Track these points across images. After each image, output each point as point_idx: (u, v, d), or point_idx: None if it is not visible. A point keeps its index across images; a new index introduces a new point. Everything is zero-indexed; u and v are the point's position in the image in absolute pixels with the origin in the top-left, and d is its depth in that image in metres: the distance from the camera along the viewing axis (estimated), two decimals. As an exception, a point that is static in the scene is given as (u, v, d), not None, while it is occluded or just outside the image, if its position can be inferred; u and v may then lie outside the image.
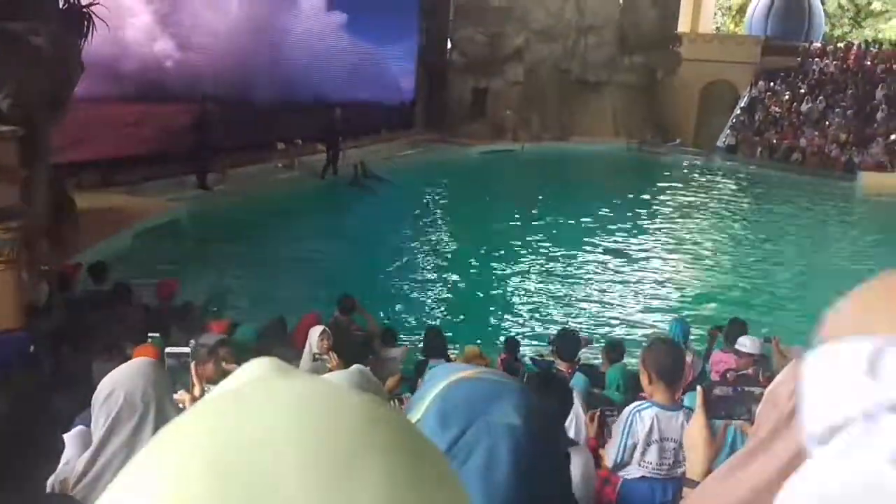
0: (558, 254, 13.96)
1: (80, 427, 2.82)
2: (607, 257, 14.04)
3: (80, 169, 12.30)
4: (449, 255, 14.09)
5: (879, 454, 0.29)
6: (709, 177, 23.14)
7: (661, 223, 17.11)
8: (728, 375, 5.80)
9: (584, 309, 11.36)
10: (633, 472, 3.63)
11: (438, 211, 17.48)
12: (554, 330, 7.91)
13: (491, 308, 11.14)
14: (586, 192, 18.89)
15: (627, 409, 3.67)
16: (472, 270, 12.92)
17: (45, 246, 8.15)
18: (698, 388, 2.66)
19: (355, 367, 2.71)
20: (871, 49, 29.11)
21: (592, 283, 12.55)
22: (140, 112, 14.15)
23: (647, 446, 3.55)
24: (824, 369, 0.34)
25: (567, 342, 5.79)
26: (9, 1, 7.74)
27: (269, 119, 16.87)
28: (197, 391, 3.77)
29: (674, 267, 13.94)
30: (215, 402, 0.41)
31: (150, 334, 5.02)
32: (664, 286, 12.61)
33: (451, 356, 6.75)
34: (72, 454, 2.62)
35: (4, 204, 6.51)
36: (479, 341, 7.91)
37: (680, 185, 21.55)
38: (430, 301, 11.48)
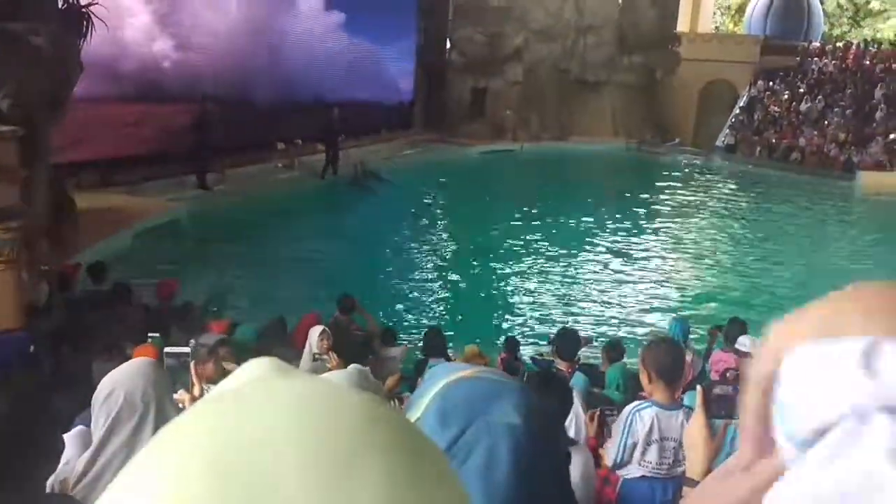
0: (558, 253, 13.96)
1: (79, 427, 2.82)
2: (607, 257, 14.05)
3: (80, 169, 12.30)
4: (448, 255, 14.10)
5: (877, 452, 0.28)
6: (708, 176, 23.13)
7: (661, 223, 17.12)
8: (728, 375, 5.80)
9: (584, 308, 11.37)
10: (633, 471, 3.63)
11: (438, 211, 17.48)
12: (553, 329, 7.92)
13: (491, 307, 11.14)
14: (586, 191, 18.89)
15: (627, 408, 3.67)
16: (471, 270, 12.93)
17: (45, 246, 8.15)
18: (698, 387, 2.67)
19: (353, 366, 2.71)
20: (870, 48, 29.13)
21: (592, 283, 12.55)
22: (140, 112, 14.15)
23: (647, 446, 3.55)
24: (809, 368, 0.33)
25: (567, 341, 5.79)
26: (8, 1, 7.74)
27: (268, 119, 16.87)
28: (196, 391, 3.78)
29: (673, 266, 13.95)
30: (215, 402, 0.41)
31: (149, 334, 5.02)
32: (664, 286, 12.62)
33: (451, 355, 6.75)
34: (72, 454, 2.62)
35: (4, 204, 6.51)
36: (478, 341, 7.91)
37: (679, 184, 21.55)
38: (429, 301, 11.49)
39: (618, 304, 11.59)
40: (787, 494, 0.31)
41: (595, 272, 13.16)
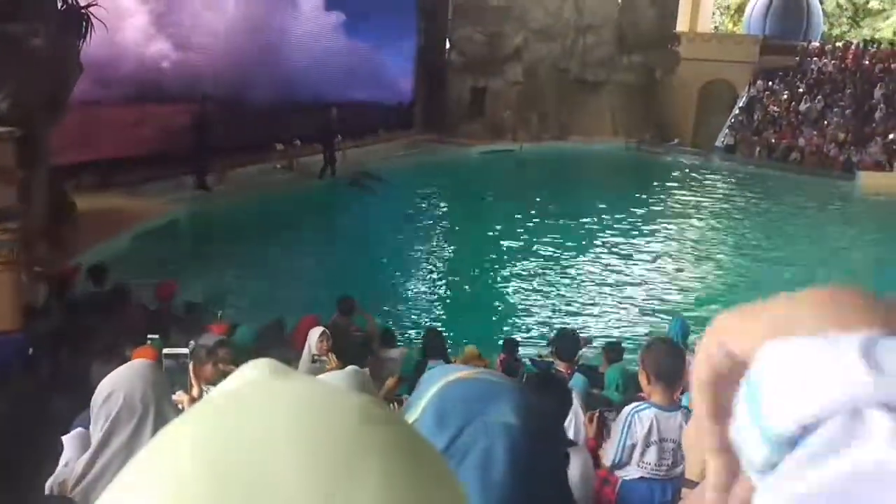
0: (557, 254, 13.97)
1: (78, 429, 2.82)
2: (607, 257, 14.05)
3: (80, 170, 12.29)
4: (448, 256, 14.10)
5: (877, 445, 0.28)
6: (707, 176, 23.13)
7: (661, 223, 17.11)
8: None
9: (584, 309, 11.37)
10: (632, 472, 3.63)
11: (437, 211, 17.47)
12: (553, 330, 7.92)
13: (490, 308, 11.14)
14: (585, 191, 18.88)
15: (626, 409, 3.67)
16: (471, 271, 12.93)
17: (44, 247, 8.15)
18: (697, 387, 2.66)
19: (351, 367, 2.71)
20: (870, 48, 29.13)
21: (591, 284, 12.55)
22: (139, 113, 14.14)
23: (647, 447, 3.55)
24: (795, 362, 0.32)
25: (566, 342, 5.79)
26: (7, 2, 7.75)
27: (267, 120, 16.85)
28: (195, 392, 3.78)
29: (673, 267, 13.95)
30: (214, 404, 0.42)
31: (149, 336, 5.01)
32: (664, 286, 12.62)
33: (450, 357, 6.75)
34: (71, 456, 2.62)
35: (2, 205, 6.51)
36: (476, 342, 7.90)
37: (679, 184, 21.56)
38: (429, 301, 11.49)
39: (617, 305, 11.59)
40: (780, 493, 0.30)
41: (594, 272, 13.15)
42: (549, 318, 10.80)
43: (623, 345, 7.19)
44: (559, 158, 22.77)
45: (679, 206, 19.09)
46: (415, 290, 11.87)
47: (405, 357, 7.15)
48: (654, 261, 13.98)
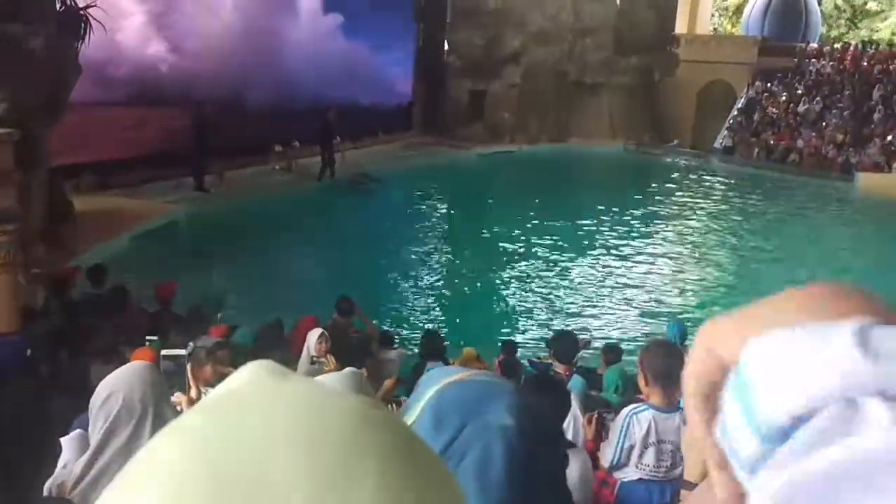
0: (556, 255, 13.96)
1: (77, 430, 2.82)
2: (606, 259, 14.04)
3: (78, 171, 12.29)
4: (447, 258, 14.09)
5: (875, 433, 0.28)
6: (706, 178, 23.14)
7: (660, 224, 17.12)
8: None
9: (583, 310, 11.36)
10: (630, 474, 3.63)
11: (436, 213, 17.47)
12: (551, 332, 7.91)
13: (489, 310, 11.13)
14: (584, 193, 18.89)
15: (624, 410, 3.67)
16: (469, 273, 12.92)
17: (42, 249, 8.15)
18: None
19: (348, 369, 2.71)
20: (868, 50, 29.16)
21: (590, 285, 12.55)
22: (138, 115, 14.14)
23: (645, 448, 3.54)
24: (787, 352, 0.31)
25: (565, 344, 5.78)
26: (6, 2, 7.75)
27: (266, 121, 16.84)
28: (194, 393, 3.77)
29: (673, 268, 13.95)
30: (212, 405, 0.42)
31: (148, 337, 5.01)
32: (663, 287, 12.62)
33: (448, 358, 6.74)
34: (69, 457, 2.62)
35: (1, 207, 6.51)
36: (475, 343, 7.90)
37: (677, 186, 21.56)
38: (427, 303, 11.48)
39: (616, 306, 11.58)
40: (774, 482, 0.30)
41: (593, 274, 13.15)
42: (548, 319, 10.80)
43: (622, 346, 7.19)
44: (558, 160, 22.77)
45: (678, 207, 19.10)
46: (413, 292, 11.86)
47: (403, 359, 7.16)
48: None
